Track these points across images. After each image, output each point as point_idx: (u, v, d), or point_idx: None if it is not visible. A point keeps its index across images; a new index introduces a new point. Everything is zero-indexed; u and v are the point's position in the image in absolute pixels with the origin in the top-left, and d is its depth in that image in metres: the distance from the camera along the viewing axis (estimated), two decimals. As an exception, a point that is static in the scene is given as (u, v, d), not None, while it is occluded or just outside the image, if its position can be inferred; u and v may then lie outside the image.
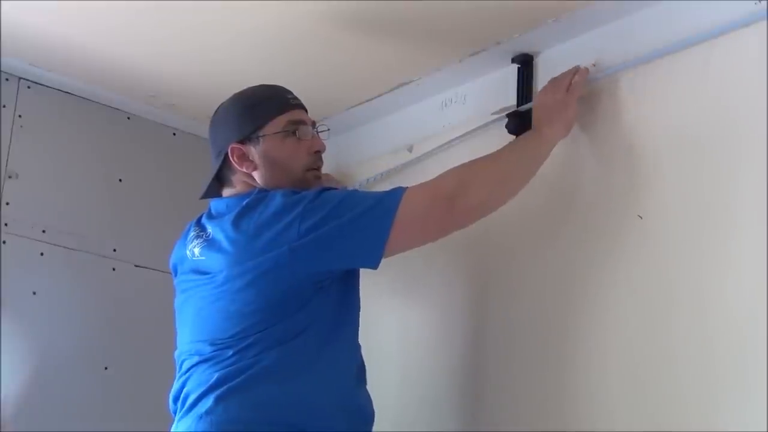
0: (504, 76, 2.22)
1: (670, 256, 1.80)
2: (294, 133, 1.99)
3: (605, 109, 2.00)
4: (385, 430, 2.07)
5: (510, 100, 2.18)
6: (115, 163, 2.67)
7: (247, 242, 1.86)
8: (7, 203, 2.46)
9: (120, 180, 2.67)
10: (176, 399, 1.93)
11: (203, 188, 2.05)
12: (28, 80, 2.53)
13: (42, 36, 2.28)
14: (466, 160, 1.98)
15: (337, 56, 2.26)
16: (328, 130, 2.10)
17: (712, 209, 1.76)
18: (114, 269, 2.61)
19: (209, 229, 1.96)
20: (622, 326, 1.86)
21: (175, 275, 2.05)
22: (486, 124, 2.22)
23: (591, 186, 2.00)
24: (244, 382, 1.82)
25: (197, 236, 1.98)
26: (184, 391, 1.90)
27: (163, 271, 2.27)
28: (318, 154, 2.03)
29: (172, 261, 2.08)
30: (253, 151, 1.98)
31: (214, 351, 1.87)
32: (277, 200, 1.88)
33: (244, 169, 1.98)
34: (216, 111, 2.06)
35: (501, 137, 2.09)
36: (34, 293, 2.48)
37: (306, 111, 2.05)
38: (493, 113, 2.21)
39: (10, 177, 2.48)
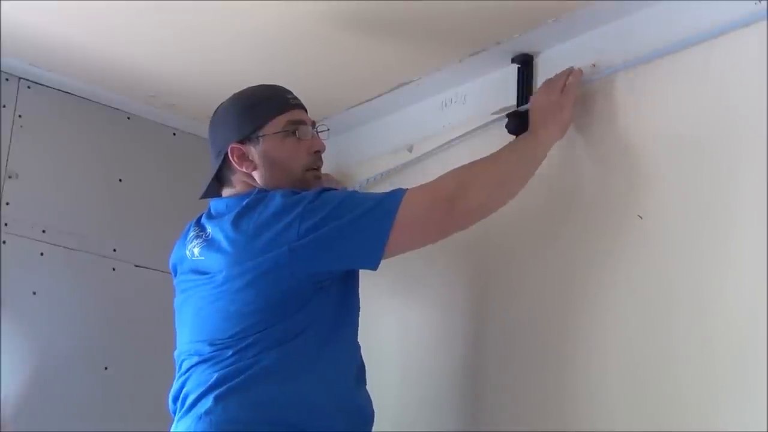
0: (504, 76, 2.22)
1: (670, 256, 1.80)
2: (294, 133, 1.99)
3: (605, 110, 2.00)
4: (385, 430, 2.07)
5: (510, 100, 2.18)
6: (115, 163, 2.67)
7: (247, 242, 1.86)
8: (7, 203, 2.46)
9: (120, 180, 2.67)
10: (176, 399, 1.93)
11: (203, 188, 2.06)
12: (28, 80, 2.53)
13: (42, 36, 2.28)
14: (466, 160, 1.98)
15: (337, 56, 2.26)
16: (328, 130, 2.10)
17: (712, 209, 1.76)
18: (114, 269, 2.61)
19: (209, 229, 1.96)
20: (622, 326, 1.86)
21: (175, 275, 2.05)
22: (486, 124, 2.22)
23: (591, 186, 2.00)
24: (243, 382, 1.82)
25: (197, 236, 1.98)
26: (184, 391, 1.90)
27: (163, 271, 2.27)
28: (318, 154, 2.03)
29: (171, 261, 2.08)
30: (253, 151, 1.98)
31: (214, 351, 1.87)
32: (276, 200, 1.88)
33: (244, 169, 1.98)
34: (216, 111, 2.06)
35: (501, 137, 2.09)
36: (34, 293, 2.48)
37: (306, 111, 2.05)
38: (493, 113, 2.21)
39: (10, 177, 2.48)
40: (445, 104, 2.38)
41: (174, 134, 2.77)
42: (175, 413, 1.93)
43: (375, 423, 1.95)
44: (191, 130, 2.74)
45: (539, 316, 2.03)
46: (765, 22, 1.72)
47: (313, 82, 2.31)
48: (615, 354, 1.86)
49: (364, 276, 1.98)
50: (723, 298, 1.70)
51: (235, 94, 2.05)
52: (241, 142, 1.98)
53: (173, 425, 1.91)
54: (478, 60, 2.20)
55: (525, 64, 2.17)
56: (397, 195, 1.86)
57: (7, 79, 2.50)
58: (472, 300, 2.20)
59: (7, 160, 2.47)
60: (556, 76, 2.04)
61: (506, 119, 2.12)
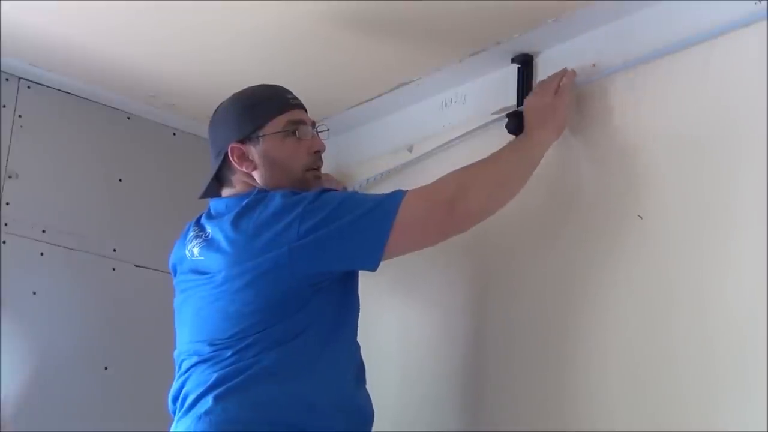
0: (504, 76, 2.22)
1: (670, 256, 1.80)
2: (294, 133, 1.99)
3: (605, 110, 2.00)
4: (385, 430, 2.07)
5: (510, 100, 2.18)
6: (115, 163, 2.67)
7: (246, 242, 1.86)
8: (7, 203, 2.46)
9: (120, 180, 2.67)
10: (175, 399, 1.93)
11: (202, 188, 2.05)
12: (28, 80, 2.53)
13: (42, 36, 2.28)
14: (466, 160, 1.98)
15: (337, 56, 2.26)
16: (328, 130, 2.10)
17: (712, 209, 1.76)
18: (114, 269, 2.61)
19: (208, 229, 1.96)
20: (622, 326, 1.86)
21: (175, 275, 2.05)
22: (486, 124, 2.22)
23: (591, 186, 2.00)
24: (243, 383, 1.82)
25: (196, 236, 1.98)
26: (183, 391, 1.90)
27: (163, 271, 2.27)
28: (318, 154, 2.03)
29: (171, 261, 2.08)
30: (253, 151, 1.98)
31: (213, 351, 1.87)
32: (276, 201, 1.88)
33: (244, 169, 1.98)
34: (216, 111, 2.06)
35: (501, 137, 2.09)
36: (34, 293, 2.48)
37: (306, 111, 2.05)
38: (493, 113, 2.21)
39: (10, 177, 2.48)
40: (445, 104, 2.38)
41: (174, 134, 2.77)
42: (174, 413, 1.93)
43: (375, 423, 1.95)
44: (191, 130, 2.74)
45: (539, 315, 2.03)
46: (765, 22, 1.72)
47: (313, 82, 2.31)
48: (615, 354, 1.86)
49: (365, 275, 1.98)
50: (723, 298, 1.70)
51: (235, 94, 2.05)
52: (241, 141, 1.98)
53: (173, 425, 1.91)
54: (478, 60, 2.20)
55: (525, 64, 2.17)
56: (397, 196, 1.86)
57: (7, 79, 2.50)
58: (472, 300, 2.20)
59: (7, 160, 2.47)
60: (550, 77, 2.05)
61: (506, 119, 2.12)
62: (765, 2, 1.72)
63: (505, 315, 2.10)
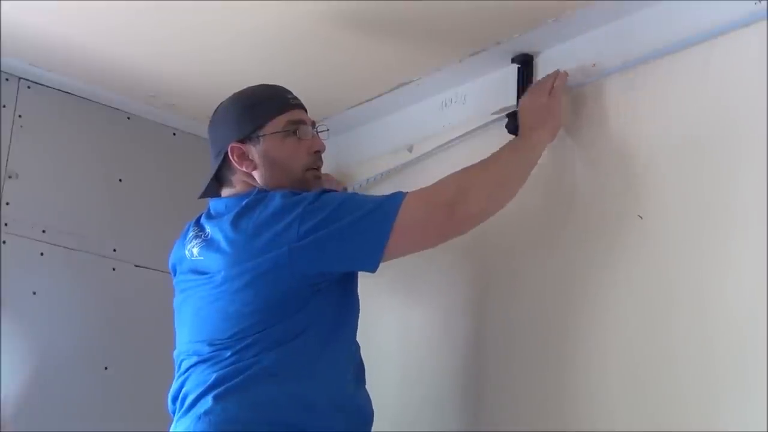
0: (504, 76, 2.22)
1: (670, 256, 1.80)
2: (294, 132, 1.99)
3: (605, 109, 2.00)
4: (385, 430, 2.07)
5: (510, 100, 2.18)
6: (115, 163, 2.67)
7: (246, 242, 1.86)
8: (7, 203, 2.46)
9: (120, 180, 2.67)
10: (175, 399, 1.93)
11: (202, 188, 2.05)
12: (28, 80, 2.53)
13: (42, 36, 2.28)
14: (466, 160, 1.98)
15: (337, 56, 2.26)
16: (328, 130, 2.10)
17: (712, 209, 1.76)
18: (114, 269, 2.61)
19: (208, 229, 1.96)
20: (622, 326, 1.86)
21: (174, 275, 2.05)
22: (486, 124, 2.22)
23: (591, 186, 2.00)
24: (242, 383, 1.82)
25: (196, 236, 1.98)
26: (183, 391, 1.90)
27: (163, 271, 2.27)
28: (318, 154, 2.03)
29: (171, 261, 2.08)
30: (253, 151, 1.98)
31: (213, 351, 1.87)
32: (276, 201, 1.87)
33: (244, 169, 1.98)
34: (215, 110, 2.06)
35: (501, 137, 2.09)
36: (34, 293, 2.48)
37: (306, 111, 2.05)
38: (493, 113, 2.21)
39: (10, 177, 2.48)
40: (445, 104, 2.38)
41: (174, 134, 2.77)
42: (174, 413, 1.93)
43: (375, 423, 1.95)
44: (191, 130, 2.74)
45: (540, 316, 2.03)
46: (765, 22, 1.72)
47: (313, 82, 2.31)
48: (615, 354, 1.86)
49: (365, 275, 1.98)
50: (723, 298, 1.70)
51: (235, 94, 2.05)
52: (242, 141, 1.98)
53: (172, 425, 1.91)
54: (478, 60, 2.20)
55: (525, 64, 2.17)
56: (397, 198, 1.86)
57: (7, 79, 2.50)
58: (472, 300, 2.20)
59: (7, 160, 2.47)
60: (543, 78, 2.06)
61: (506, 119, 2.12)
62: (765, 2, 1.72)
63: (506, 315, 2.10)
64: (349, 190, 2.54)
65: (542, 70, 2.14)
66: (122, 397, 2.56)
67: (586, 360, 1.91)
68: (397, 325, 2.36)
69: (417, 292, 2.35)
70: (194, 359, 1.90)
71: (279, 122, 1.99)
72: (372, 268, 1.86)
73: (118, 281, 2.61)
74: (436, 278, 2.28)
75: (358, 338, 1.99)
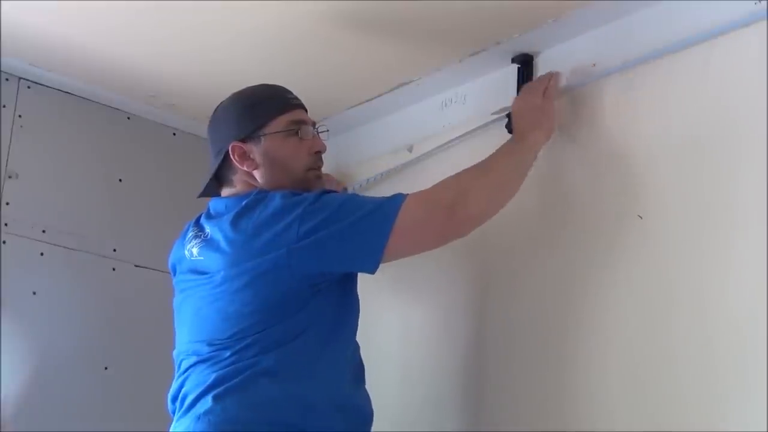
0: (504, 76, 2.22)
1: (670, 256, 1.80)
2: (296, 133, 1.99)
3: (605, 110, 2.00)
4: (386, 430, 2.07)
5: (510, 100, 2.17)
6: (115, 163, 2.67)
7: (245, 242, 1.86)
8: (7, 203, 2.46)
9: (120, 180, 2.67)
10: (174, 399, 1.93)
11: (201, 187, 2.05)
12: (28, 80, 2.53)
13: (42, 36, 2.28)
14: (466, 160, 1.98)
15: (337, 56, 2.26)
16: (328, 131, 2.10)
17: (712, 209, 1.76)
18: (114, 269, 2.61)
19: (207, 229, 1.96)
20: (622, 326, 1.86)
21: (174, 275, 2.05)
22: (486, 124, 2.22)
23: (591, 186, 2.00)
24: (242, 383, 1.82)
25: (195, 236, 1.98)
26: (183, 391, 1.90)
27: (163, 271, 2.27)
28: (319, 154, 2.03)
29: (170, 261, 2.07)
30: (254, 150, 1.98)
31: (212, 351, 1.87)
32: (276, 201, 1.87)
33: (245, 168, 1.98)
34: (216, 110, 2.06)
35: (501, 137, 2.09)
36: (34, 293, 2.48)
37: (306, 111, 2.05)
38: (493, 113, 2.21)
39: (10, 177, 2.48)
40: (445, 104, 2.38)
41: (174, 134, 2.77)
42: (173, 413, 1.93)
43: (375, 423, 1.95)
44: (191, 130, 2.74)
45: (540, 315, 2.03)
46: (765, 22, 1.72)
47: (313, 82, 2.31)
48: (615, 354, 1.86)
49: (365, 275, 1.98)
50: (723, 298, 1.70)
51: (235, 93, 2.05)
52: (243, 140, 1.98)
53: (172, 425, 1.91)
54: (478, 60, 2.20)
55: (525, 64, 2.17)
56: (397, 199, 1.86)
57: (7, 79, 2.50)
58: (472, 300, 2.20)
59: (7, 160, 2.47)
60: (536, 80, 2.07)
61: (506, 119, 2.12)
62: (765, 2, 1.72)
63: (506, 315, 2.11)
64: (349, 190, 2.54)
65: (542, 70, 2.14)
66: (122, 397, 2.56)
67: (586, 360, 1.91)
68: (398, 325, 2.36)
69: (417, 292, 2.35)
70: (194, 359, 1.90)
71: (281, 122, 1.99)
72: (371, 269, 1.86)
73: (118, 281, 2.61)
74: (437, 278, 2.28)
75: (359, 338, 1.99)
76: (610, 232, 1.92)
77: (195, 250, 1.95)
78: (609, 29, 2.02)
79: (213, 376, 1.84)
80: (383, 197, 1.89)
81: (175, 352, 1.98)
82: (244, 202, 1.91)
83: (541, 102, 2.01)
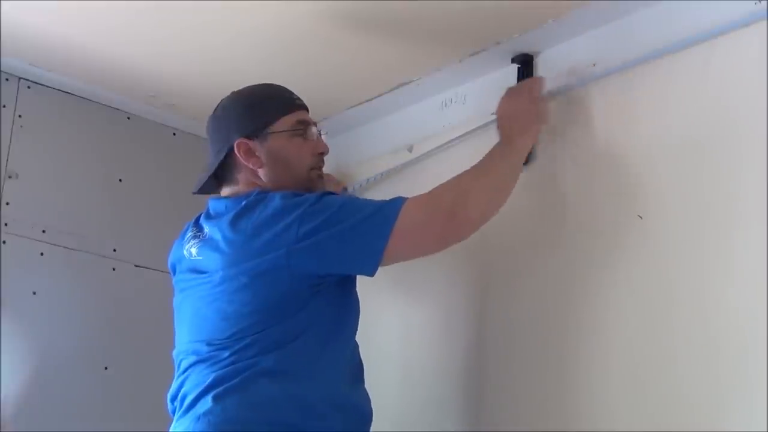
0: (504, 76, 2.22)
1: (670, 256, 1.80)
2: (302, 133, 1.99)
3: (605, 109, 2.00)
4: (386, 430, 2.07)
5: (510, 100, 2.18)
6: (115, 163, 2.67)
7: (245, 242, 1.86)
8: (7, 203, 2.46)
9: (120, 180, 2.67)
10: (174, 398, 1.93)
11: (199, 183, 2.04)
12: (28, 80, 2.53)
13: (42, 36, 2.28)
14: (466, 160, 1.98)
15: (337, 56, 2.26)
16: (326, 133, 2.11)
17: (712, 209, 1.75)
18: (114, 269, 2.61)
19: (206, 229, 1.96)
20: (622, 326, 1.86)
21: (174, 274, 2.05)
22: (486, 124, 2.22)
23: (590, 186, 1.99)
24: (241, 383, 1.82)
25: (194, 236, 1.98)
26: (182, 391, 1.90)
27: (163, 271, 2.27)
28: (321, 155, 2.04)
29: (170, 260, 2.07)
30: (260, 148, 1.97)
31: (211, 351, 1.87)
32: (276, 202, 1.87)
33: (251, 165, 1.97)
34: (217, 107, 2.05)
35: (501, 137, 2.09)
36: (34, 293, 2.48)
37: (308, 112, 2.05)
38: (493, 113, 2.21)
39: (10, 177, 2.48)
40: (445, 104, 2.38)
41: (174, 134, 2.77)
42: (173, 413, 1.93)
43: (376, 423, 1.95)
44: (191, 130, 2.74)
45: (540, 316, 2.03)
46: (765, 22, 1.72)
47: (313, 82, 2.31)
48: (616, 354, 1.86)
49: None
50: (724, 298, 1.70)
51: (237, 92, 2.04)
52: (248, 137, 1.97)
53: (172, 425, 1.91)
54: (478, 60, 2.20)
55: (525, 64, 2.17)
56: (397, 202, 1.86)
57: (7, 79, 2.50)
58: (473, 300, 2.20)
59: (7, 160, 2.48)
60: (521, 83, 2.08)
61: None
62: (765, 2, 1.72)
63: (506, 315, 2.10)
64: (349, 190, 2.54)
65: (542, 70, 2.14)
66: (122, 397, 2.56)
67: (586, 360, 1.91)
68: (398, 325, 2.36)
69: (418, 292, 2.35)
70: (193, 359, 1.90)
71: (287, 121, 1.99)
72: (370, 271, 1.86)
73: (118, 281, 2.61)
74: (437, 278, 2.28)
75: (359, 338, 1.99)
76: (610, 232, 1.92)
77: (194, 250, 1.95)
78: (609, 29, 2.02)
79: (212, 376, 1.84)
80: (383, 200, 1.89)
81: (174, 352, 1.98)
82: (243, 203, 1.91)
83: (528, 105, 2.02)
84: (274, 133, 1.97)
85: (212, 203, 2.02)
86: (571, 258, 1.99)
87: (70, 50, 2.34)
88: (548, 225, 2.06)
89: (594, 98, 2.02)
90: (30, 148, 2.52)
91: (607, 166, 1.97)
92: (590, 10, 1.97)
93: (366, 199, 1.95)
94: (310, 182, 2.00)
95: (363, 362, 1.99)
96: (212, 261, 1.90)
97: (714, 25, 1.80)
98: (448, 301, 2.25)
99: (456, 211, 1.87)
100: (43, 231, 2.51)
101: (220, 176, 2.02)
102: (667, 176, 1.84)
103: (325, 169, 2.10)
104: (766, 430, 1.58)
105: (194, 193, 2.06)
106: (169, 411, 1.96)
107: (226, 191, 2.02)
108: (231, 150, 1.97)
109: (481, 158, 1.98)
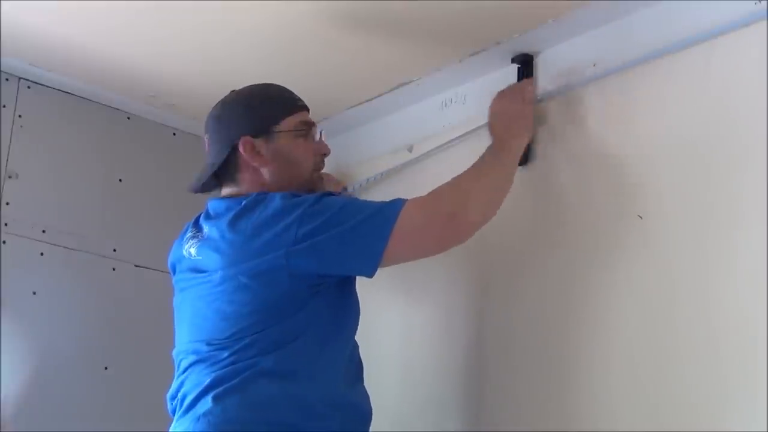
0: (504, 76, 2.22)
1: (671, 256, 1.80)
2: (305, 134, 1.99)
3: (605, 110, 2.00)
4: (386, 430, 2.07)
5: (510, 100, 2.18)
6: (115, 163, 2.67)
7: (244, 243, 1.86)
8: (7, 203, 2.46)
9: (120, 180, 2.67)
10: (173, 398, 1.93)
11: (199, 181, 2.02)
12: (28, 80, 2.53)
13: (42, 36, 2.28)
14: (466, 160, 1.98)
15: (337, 56, 2.26)
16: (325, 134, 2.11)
17: (712, 209, 1.75)
18: (114, 269, 2.61)
19: (206, 229, 1.96)
20: (623, 326, 1.86)
21: (173, 274, 2.05)
22: (486, 124, 2.22)
23: (591, 186, 1.99)
24: (241, 383, 1.82)
25: (194, 236, 1.98)
26: (182, 391, 1.90)
27: (163, 271, 2.27)
28: (323, 157, 2.04)
29: (170, 260, 2.07)
30: (264, 147, 1.97)
31: (211, 351, 1.87)
32: (276, 202, 1.87)
33: (255, 164, 1.96)
34: (216, 106, 2.04)
35: (501, 137, 2.09)
36: (34, 293, 2.48)
37: (309, 113, 2.05)
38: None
39: (10, 177, 2.48)
40: (445, 104, 2.37)
41: (174, 134, 2.77)
42: (173, 412, 1.93)
43: (376, 423, 1.95)
44: (191, 130, 2.74)
45: (541, 315, 2.03)
46: (765, 22, 1.72)
47: (313, 82, 2.31)
48: (617, 354, 1.86)
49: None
50: (724, 298, 1.70)
51: (238, 91, 2.03)
52: (253, 136, 1.97)
53: (172, 425, 1.91)
54: (478, 60, 2.20)
55: (525, 64, 2.17)
56: (397, 204, 1.86)
57: (7, 79, 2.50)
58: (473, 300, 2.20)
59: (7, 160, 2.48)
60: (511, 86, 2.09)
61: (499, 121, 2.12)
62: (765, 2, 1.72)
63: (506, 315, 2.10)
64: (349, 190, 2.54)
65: (542, 70, 2.14)
66: (122, 397, 2.56)
67: (587, 360, 1.91)
68: (398, 325, 2.36)
69: (418, 292, 2.35)
70: (193, 358, 1.90)
71: (292, 121, 1.99)
72: (369, 273, 1.86)
73: (118, 281, 2.61)
74: (437, 278, 2.28)
75: (359, 338, 1.99)
76: (610, 232, 1.92)
77: (193, 250, 1.95)
78: (609, 29, 2.02)
79: (212, 376, 1.84)
80: (383, 202, 1.89)
81: (174, 352, 1.98)
82: (243, 203, 1.91)
83: (520, 107, 2.02)
84: (279, 132, 1.97)
85: (212, 203, 2.01)
86: (571, 258, 1.99)
87: (70, 50, 2.34)
88: (548, 225, 2.06)
89: (594, 98, 2.02)
90: (30, 148, 2.52)
91: (607, 166, 1.97)
92: (590, 10, 1.97)
93: (366, 201, 1.95)
94: (312, 183, 2.00)
95: (363, 362, 1.99)
96: (212, 261, 1.90)
97: (714, 25, 1.80)
98: (448, 301, 2.25)
99: (456, 213, 1.87)
100: (43, 231, 2.51)
101: (220, 176, 2.02)
102: (667, 176, 1.84)
103: (325, 169, 2.11)
104: (767, 430, 1.58)
105: (194, 192, 2.06)
106: (169, 410, 1.96)
107: (226, 191, 2.02)
108: (234, 148, 1.97)
109: (477, 160, 1.98)
